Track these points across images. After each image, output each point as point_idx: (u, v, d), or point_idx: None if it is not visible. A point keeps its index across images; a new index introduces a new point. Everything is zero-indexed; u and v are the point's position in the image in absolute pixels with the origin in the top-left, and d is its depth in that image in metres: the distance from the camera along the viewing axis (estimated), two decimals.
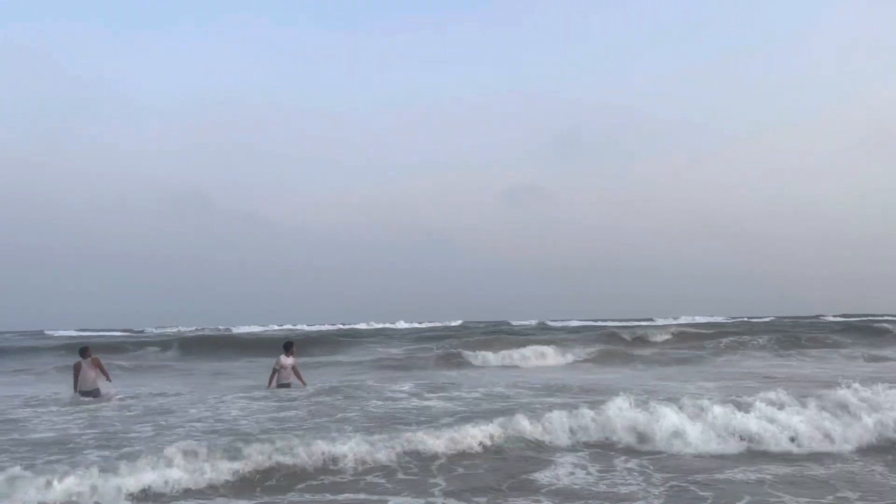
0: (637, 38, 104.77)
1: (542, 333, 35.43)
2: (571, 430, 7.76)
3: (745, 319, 56.29)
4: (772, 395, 8.71)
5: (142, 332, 47.83)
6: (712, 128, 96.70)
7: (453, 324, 56.12)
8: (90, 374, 12.72)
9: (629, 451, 7.49)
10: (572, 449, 7.56)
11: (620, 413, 7.79)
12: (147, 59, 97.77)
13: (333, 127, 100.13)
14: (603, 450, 7.51)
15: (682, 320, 53.14)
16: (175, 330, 50.38)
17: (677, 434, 7.39)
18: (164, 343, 29.37)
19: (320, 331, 43.80)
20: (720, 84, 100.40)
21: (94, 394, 12.64)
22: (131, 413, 10.49)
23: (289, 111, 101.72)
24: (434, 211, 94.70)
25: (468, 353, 22.36)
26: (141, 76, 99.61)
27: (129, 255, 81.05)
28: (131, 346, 29.30)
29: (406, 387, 12.95)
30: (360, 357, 25.21)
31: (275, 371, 13.69)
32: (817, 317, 65.67)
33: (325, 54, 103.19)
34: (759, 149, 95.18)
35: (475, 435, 7.45)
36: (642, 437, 7.62)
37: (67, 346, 27.96)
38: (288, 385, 13.55)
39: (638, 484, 6.38)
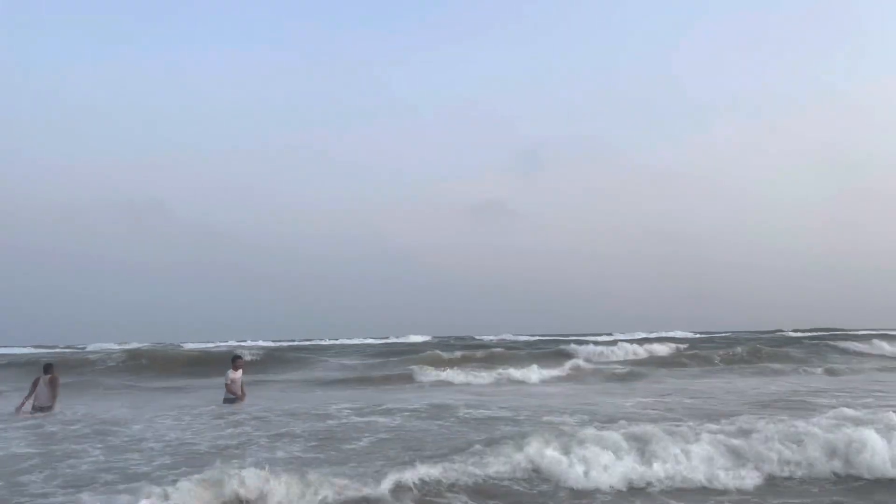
0: (599, 58, 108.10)
1: (500, 348, 36.21)
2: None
3: (707, 335, 57.90)
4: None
5: (83, 348, 47.13)
6: (671, 149, 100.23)
7: (419, 339, 56.41)
8: (45, 391, 13.49)
9: None
10: None
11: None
12: (108, 71, 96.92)
13: (297, 141, 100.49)
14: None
15: (639, 335, 54.54)
16: (130, 346, 49.62)
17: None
18: (111, 359, 29.26)
19: (276, 346, 43.83)
20: (677, 105, 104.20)
21: (46, 410, 13.32)
22: (75, 432, 10.83)
23: (253, 123, 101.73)
24: (399, 226, 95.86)
25: (417, 370, 22.99)
26: (96, 86, 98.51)
27: (78, 265, 79.75)
28: (75, 361, 29.12)
29: (353, 404, 13.52)
30: (315, 373, 25.64)
31: (227, 385, 14.22)
32: (775, 331, 68.16)
33: (288, 70, 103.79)
34: (716, 170, 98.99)
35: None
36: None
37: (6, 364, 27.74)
38: (235, 398, 14.06)
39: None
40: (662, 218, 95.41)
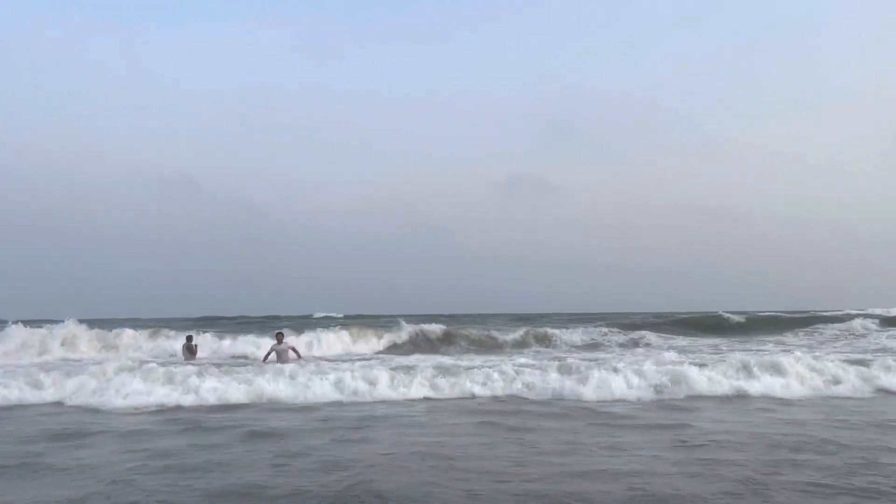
0: (641, 27, 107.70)
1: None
2: None
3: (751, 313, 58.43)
4: None
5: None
6: (713, 121, 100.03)
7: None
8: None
9: None
10: None
11: None
12: (145, 49, 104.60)
13: (330, 118, 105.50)
14: None
15: (679, 315, 55.00)
16: None
17: None
18: None
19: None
20: (723, 77, 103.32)
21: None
22: None
23: (290, 102, 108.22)
24: (431, 202, 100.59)
25: None
26: (136, 64, 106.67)
27: (116, 241, 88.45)
28: None
29: None
30: None
31: (272, 352, 18.74)
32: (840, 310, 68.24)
33: (321, 46, 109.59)
34: (761, 145, 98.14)
35: None
36: None
37: None
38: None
39: None
40: (702, 195, 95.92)
